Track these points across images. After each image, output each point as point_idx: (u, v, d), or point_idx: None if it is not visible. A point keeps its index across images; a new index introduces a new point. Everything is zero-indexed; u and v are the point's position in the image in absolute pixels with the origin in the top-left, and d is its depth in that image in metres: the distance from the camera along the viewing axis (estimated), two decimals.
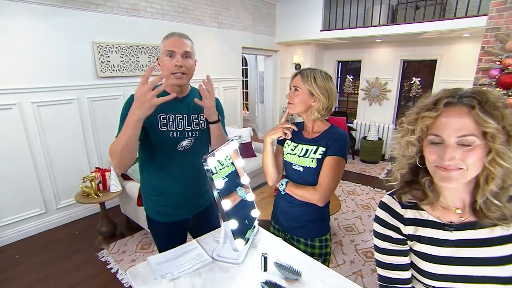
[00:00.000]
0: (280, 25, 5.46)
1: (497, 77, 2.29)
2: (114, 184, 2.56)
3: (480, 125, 0.57)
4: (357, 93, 5.82)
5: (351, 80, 5.96)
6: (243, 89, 7.98)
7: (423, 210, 0.74)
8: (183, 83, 1.20)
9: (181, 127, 1.23)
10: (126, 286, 2.10)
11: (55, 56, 2.69)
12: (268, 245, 1.16)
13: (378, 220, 0.79)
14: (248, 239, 1.12)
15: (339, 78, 6.28)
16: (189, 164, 1.25)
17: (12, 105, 2.50)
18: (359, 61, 5.59)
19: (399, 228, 0.76)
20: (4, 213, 2.59)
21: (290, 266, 0.95)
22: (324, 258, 1.31)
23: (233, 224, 0.99)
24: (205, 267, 1.02)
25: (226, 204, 0.98)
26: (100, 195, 2.48)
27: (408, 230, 0.75)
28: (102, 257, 2.44)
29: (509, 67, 2.22)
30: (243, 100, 8.30)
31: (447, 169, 0.61)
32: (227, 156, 1.20)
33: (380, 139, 5.02)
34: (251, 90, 7.76)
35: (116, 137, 1.07)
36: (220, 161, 1.14)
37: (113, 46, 3.06)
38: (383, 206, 0.79)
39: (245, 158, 3.79)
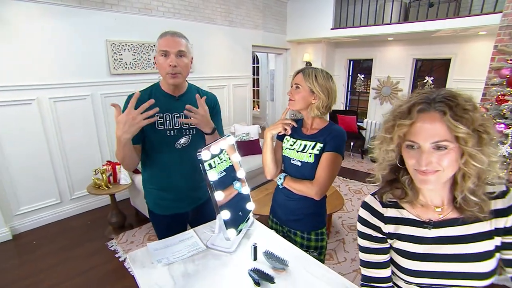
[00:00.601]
0: (291, 23, 5.45)
1: (508, 76, 2.23)
2: (124, 177, 2.67)
3: (452, 130, 0.59)
4: (368, 92, 5.75)
5: (362, 79, 5.89)
6: (254, 87, 8.05)
7: (403, 208, 0.76)
8: (178, 83, 1.22)
9: (178, 126, 1.26)
10: (132, 274, 2.19)
11: (71, 54, 2.82)
12: (262, 236, 1.21)
13: (360, 219, 0.82)
14: (241, 230, 1.17)
15: (350, 77, 6.22)
16: (187, 161, 1.29)
17: (31, 101, 2.65)
18: (371, 60, 5.52)
19: (379, 227, 0.78)
20: (22, 202, 2.76)
21: (278, 256, 0.99)
22: (319, 251, 1.34)
23: (226, 214, 1.05)
24: (199, 254, 1.08)
25: (219, 196, 1.03)
26: (111, 187, 2.60)
27: (389, 228, 0.77)
28: (111, 246, 2.56)
29: None
30: (255, 98, 8.37)
31: (426, 173, 0.64)
32: (224, 152, 1.25)
33: None
34: (262, 88, 7.80)
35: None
36: (219, 156, 1.20)
37: (125, 44, 3.17)
38: (365, 206, 0.81)
39: (252, 155, 3.86)
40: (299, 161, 1.27)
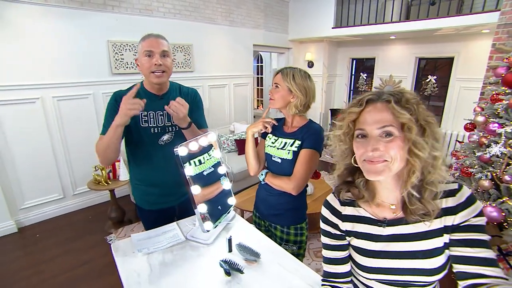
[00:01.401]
0: (293, 23, 5.47)
1: (503, 75, 2.21)
2: (123, 173, 2.76)
3: (397, 117, 0.62)
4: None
5: (365, 78, 5.86)
6: (258, 86, 8.09)
7: (360, 207, 0.78)
8: (163, 81, 1.28)
9: (162, 123, 1.32)
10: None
11: (74, 54, 2.93)
12: (241, 230, 1.26)
13: (322, 217, 0.84)
14: (219, 223, 1.21)
15: (353, 76, 6.19)
16: (171, 157, 1.30)
17: (35, 99, 2.76)
18: (374, 59, 5.48)
19: (337, 225, 0.80)
20: (27, 196, 2.88)
21: (250, 249, 1.03)
22: (299, 245, 1.38)
23: (202, 208, 1.10)
24: (178, 245, 1.14)
25: (196, 190, 1.08)
26: (110, 183, 2.69)
27: (346, 226, 0.79)
28: (110, 240, 2.65)
29: None
30: (258, 97, 8.41)
31: (373, 162, 0.65)
32: (213, 148, 1.31)
33: None
34: (266, 87, 7.83)
35: (100, 134, 1.21)
36: (208, 152, 1.26)
37: (127, 44, 3.26)
38: (326, 204, 0.84)
39: None
40: (279, 158, 1.31)
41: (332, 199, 0.83)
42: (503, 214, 2.08)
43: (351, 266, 0.81)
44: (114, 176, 2.80)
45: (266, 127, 1.34)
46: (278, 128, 1.38)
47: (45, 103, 2.83)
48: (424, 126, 0.63)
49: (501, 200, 2.13)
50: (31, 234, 2.77)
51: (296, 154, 1.26)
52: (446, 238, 0.68)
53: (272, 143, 1.36)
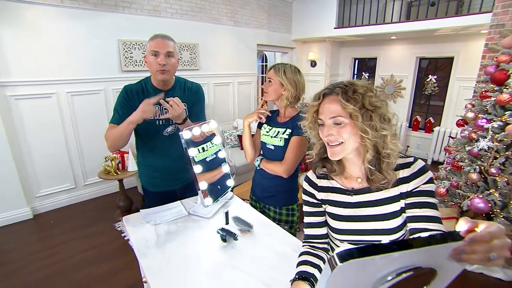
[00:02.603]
0: (296, 23, 5.60)
1: (492, 73, 2.31)
2: (131, 164, 2.93)
3: (343, 108, 0.76)
4: None
5: (367, 77, 5.95)
6: (263, 85, 8.23)
7: (333, 179, 0.93)
8: (167, 78, 1.42)
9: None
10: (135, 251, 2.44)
11: (87, 52, 3.11)
12: (238, 207, 1.40)
13: (303, 189, 0.99)
14: (218, 200, 1.36)
15: (355, 75, 6.29)
16: (174, 146, 1.46)
17: (51, 94, 2.96)
18: (375, 59, 5.58)
19: (314, 194, 0.95)
20: (42, 185, 3.07)
21: (244, 220, 1.18)
22: (290, 225, 1.52)
23: (203, 185, 1.25)
24: (181, 218, 1.29)
25: (198, 169, 1.23)
26: (119, 173, 2.86)
27: (321, 195, 0.94)
28: (119, 227, 2.83)
29: (502, 63, 2.23)
30: (263, 96, 8.55)
31: (332, 146, 0.80)
32: (215, 136, 1.46)
33: None
34: None
35: (110, 122, 1.35)
36: (211, 141, 1.41)
37: (136, 43, 3.44)
38: (306, 178, 0.99)
39: None
40: (272, 145, 1.46)
41: (310, 174, 0.98)
42: (490, 205, 2.19)
43: (328, 231, 0.96)
44: (123, 167, 2.97)
45: (261, 118, 1.48)
46: (273, 119, 1.52)
47: (60, 98, 3.01)
48: (372, 111, 0.76)
49: (488, 192, 2.24)
50: (45, 220, 2.96)
51: (287, 141, 1.40)
52: (402, 203, 0.81)
53: (267, 132, 1.51)
